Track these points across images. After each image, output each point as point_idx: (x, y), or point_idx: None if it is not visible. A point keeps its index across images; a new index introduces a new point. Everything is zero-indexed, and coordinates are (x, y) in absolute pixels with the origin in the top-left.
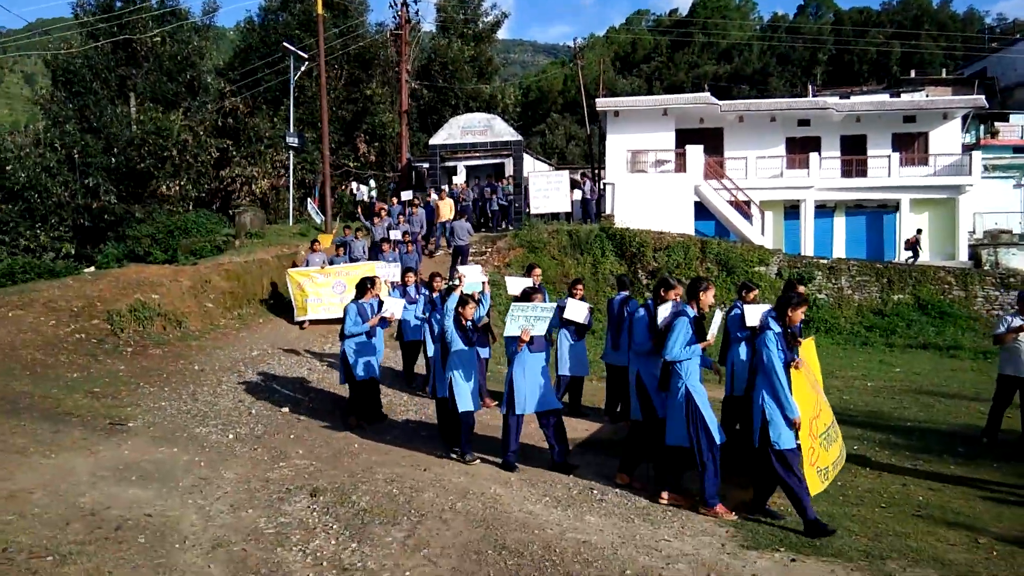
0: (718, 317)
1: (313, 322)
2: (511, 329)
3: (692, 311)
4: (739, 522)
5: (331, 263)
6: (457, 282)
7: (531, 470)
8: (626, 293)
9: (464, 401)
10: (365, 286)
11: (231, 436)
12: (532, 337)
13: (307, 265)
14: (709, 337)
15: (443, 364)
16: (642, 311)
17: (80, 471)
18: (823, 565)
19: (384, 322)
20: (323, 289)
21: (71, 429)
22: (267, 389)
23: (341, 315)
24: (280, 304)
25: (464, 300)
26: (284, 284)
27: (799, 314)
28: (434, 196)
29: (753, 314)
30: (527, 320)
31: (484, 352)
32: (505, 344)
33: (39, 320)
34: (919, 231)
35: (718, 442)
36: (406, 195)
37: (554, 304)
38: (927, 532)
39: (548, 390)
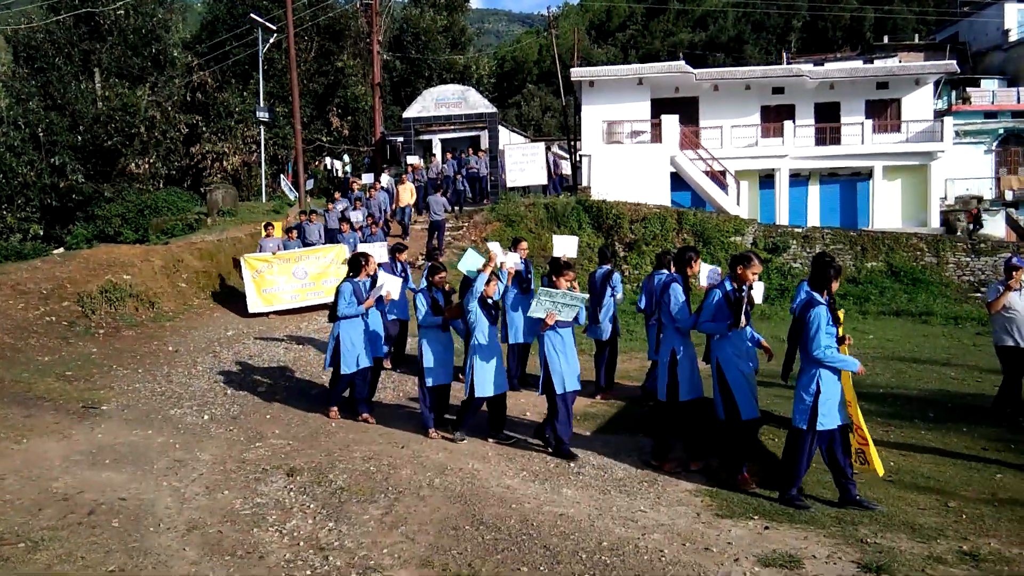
0: (757, 294)
1: (277, 313)
2: (536, 311)
3: (729, 285)
4: (716, 491)
5: (285, 248)
6: (486, 259)
7: (508, 445)
8: (608, 267)
9: (483, 386)
10: (359, 262)
11: (206, 417)
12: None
13: (260, 250)
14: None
15: (465, 345)
16: (677, 286)
17: (53, 456)
18: (796, 532)
19: (380, 303)
20: (283, 276)
21: (43, 413)
22: (243, 369)
23: (305, 304)
24: (229, 294)
25: (487, 278)
26: (230, 271)
27: (836, 284)
28: (386, 179)
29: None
30: (554, 305)
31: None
32: (527, 324)
33: (8, 303)
34: (979, 200)
35: (743, 418)
36: (367, 177)
37: (585, 295)
38: (898, 497)
39: (577, 368)
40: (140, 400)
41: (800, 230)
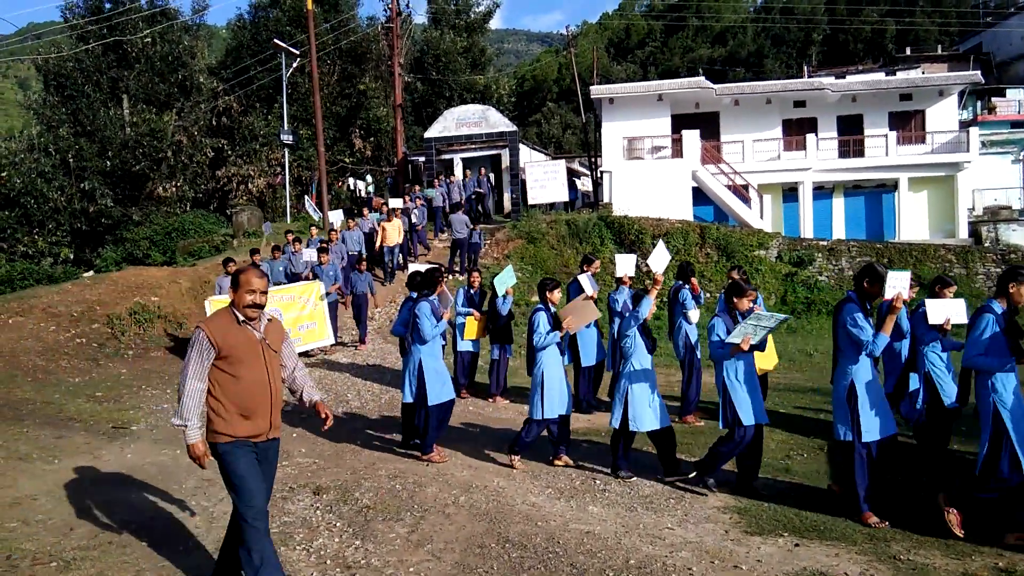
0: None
1: None
2: (734, 336)
3: (999, 308)
4: (744, 508)
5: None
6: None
7: (533, 462)
8: (680, 283)
9: (641, 420)
10: (435, 279)
11: None
12: None
13: (219, 292)
14: None
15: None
16: (854, 305)
17: (83, 476)
18: (827, 549)
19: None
20: None
21: (74, 434)
22: None
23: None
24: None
25: (651, 300)
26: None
27: None
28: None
29: (938, 311)
30: (754, 329)
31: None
32: (710, 349)
33: (39, 326)
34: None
35: None
36: (335, 215)
37: (784, 315)
38: (931, 512)
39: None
40: (168, 420)
41: (825, 243)
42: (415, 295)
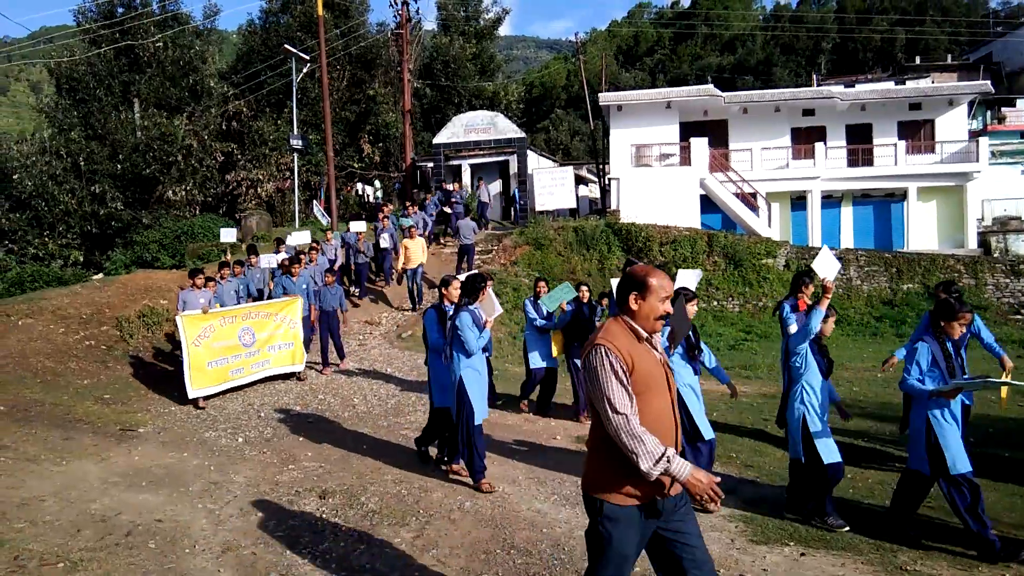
0: None
1: (210, 396)
2: (946, 388)
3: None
4: (750, 517)
5: (223, 300)
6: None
7: (538, 469)
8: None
9: (830, 451)
10: (477, 287)
11: (240, 440)
12: None
13: (183, 307)
14: None
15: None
16: None
17: (91, 478)
18: (834, 558)
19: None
20: (228, 342)
21: (82, 436)
22: (275, 392)
23: (247, 381)
24: (153, 376)
25: (825, 312)
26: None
27: None
28: (357, 226)
29: None
30: (971, 384)
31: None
32: (904, 380)
33: (49, 328)
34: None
35: None
36: (297, 238)
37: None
38: (938, 523)
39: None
40: (176, 423)
41: (834, 252)
42: (438, 305)
